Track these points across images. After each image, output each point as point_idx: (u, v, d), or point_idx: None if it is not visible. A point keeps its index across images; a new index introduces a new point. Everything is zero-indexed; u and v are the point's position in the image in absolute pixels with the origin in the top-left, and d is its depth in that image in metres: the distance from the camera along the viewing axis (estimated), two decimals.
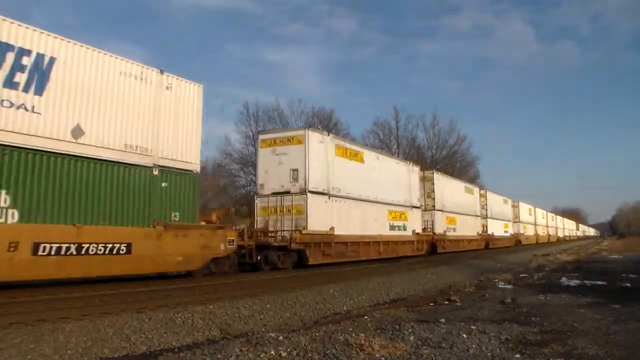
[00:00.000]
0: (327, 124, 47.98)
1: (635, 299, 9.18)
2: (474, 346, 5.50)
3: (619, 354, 5.21)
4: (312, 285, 11.20)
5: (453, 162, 61.70)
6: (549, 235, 68.01)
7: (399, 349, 5.37)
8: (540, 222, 62.78)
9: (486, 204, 38.66)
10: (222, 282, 11.34)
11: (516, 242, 46.29)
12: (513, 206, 49.06)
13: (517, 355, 5.14)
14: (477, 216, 35.89)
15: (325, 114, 51.13)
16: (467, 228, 32.72)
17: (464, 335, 6.01)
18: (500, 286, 12.37)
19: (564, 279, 13.33)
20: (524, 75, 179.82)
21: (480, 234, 35.90)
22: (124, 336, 6.29)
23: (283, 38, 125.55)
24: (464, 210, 32.36)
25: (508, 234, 44.57)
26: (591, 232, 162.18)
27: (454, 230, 30.10)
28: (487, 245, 36.55)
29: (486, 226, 37.81)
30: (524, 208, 53.79)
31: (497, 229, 40.65)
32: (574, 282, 12.58)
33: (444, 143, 62.61)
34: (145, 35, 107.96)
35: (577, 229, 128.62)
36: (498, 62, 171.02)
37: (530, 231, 55.11)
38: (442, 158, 60.58)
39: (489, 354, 5.20)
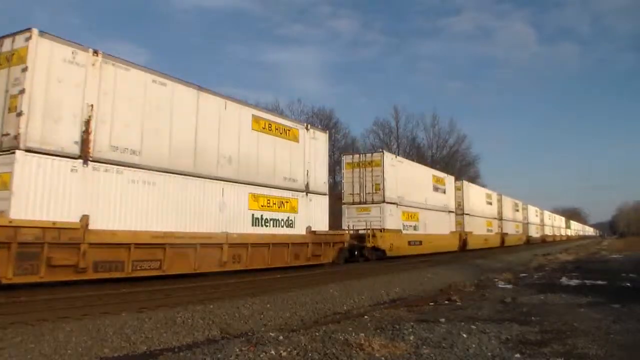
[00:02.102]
0: (327, 123, 48.01)
1: (635, 299, 9.19)
2: (474, 346, 5.51)
3: (619, 354, 5.22)
4: (312, 285, 11.21)
5: (453, 161, 61.70)
6: (502, 234, 39.96)
7: (399, 348, 5.37)
8: (488, 212, 37.13)
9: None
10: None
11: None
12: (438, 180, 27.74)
13: (517, 355, 5.14)
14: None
15: (325, 113, 51.26)
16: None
17: (464, 335, 6.02)
18: (500, 286, 12.38)
19: (564, 279, 13.34)
20: (524, 75, 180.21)
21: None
22: (124, 336, 6.29)
23: (284, 38, 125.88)
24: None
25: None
26: (590, 231, 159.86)
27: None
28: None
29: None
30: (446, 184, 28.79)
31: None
32: (574, 282, 12.59)
33: (444, 143, 62.73)
34: (147, 36, 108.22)
35: (568, 227, 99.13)
36: (498, 62, 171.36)
37: (477, 227, 33.36)
38: (442, 158, 60.57)
39: (489, 354, 5.20)
